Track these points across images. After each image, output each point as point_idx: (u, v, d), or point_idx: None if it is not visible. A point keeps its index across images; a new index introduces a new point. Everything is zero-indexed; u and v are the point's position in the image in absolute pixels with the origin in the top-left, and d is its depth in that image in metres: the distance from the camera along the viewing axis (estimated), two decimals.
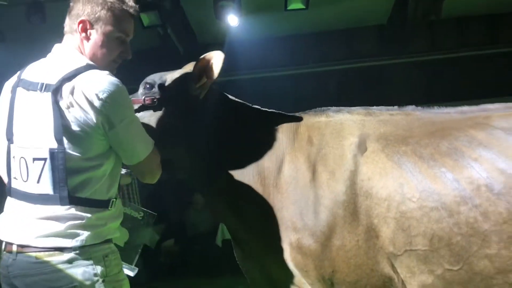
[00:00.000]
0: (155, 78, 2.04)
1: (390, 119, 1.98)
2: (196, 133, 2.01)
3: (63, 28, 1.83)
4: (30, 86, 1.66)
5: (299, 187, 1.88)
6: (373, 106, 2.07)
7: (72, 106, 1.58)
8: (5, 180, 1.74)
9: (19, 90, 1.68)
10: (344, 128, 1.95)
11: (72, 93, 1.58)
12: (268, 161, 1.98)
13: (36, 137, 1.62)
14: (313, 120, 2.05)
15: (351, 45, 10.52)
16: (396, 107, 2.04)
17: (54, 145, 1.58)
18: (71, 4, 1.79)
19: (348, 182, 1.80)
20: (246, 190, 1.96)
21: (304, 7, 6.84)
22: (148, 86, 2.00)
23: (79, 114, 1.58)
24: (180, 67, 2.15)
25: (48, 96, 1.59)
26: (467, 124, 1.85)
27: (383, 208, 1.74)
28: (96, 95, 1.57)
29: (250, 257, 2.07)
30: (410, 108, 2.03)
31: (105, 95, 1.57)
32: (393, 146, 1.84)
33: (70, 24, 1.77)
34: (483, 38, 9.74)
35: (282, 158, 1.97)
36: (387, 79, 10.38)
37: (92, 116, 1.58)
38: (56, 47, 1.79)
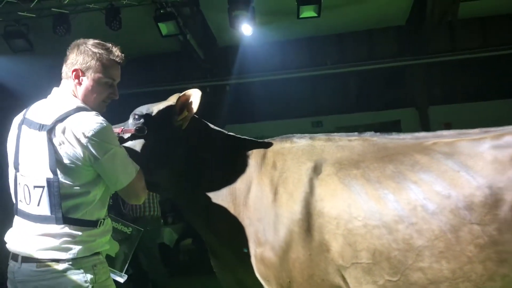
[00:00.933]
0: (142, 110, 2.31)
1: (348, 144, 2.18)
2: (178, 158, 2.29)
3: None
4: (31, 125, 2.00)
5: (264, 206, 2.14)
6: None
7: (63, 143, 1.91)
8: (14, 201, 2.08)
9: (23, 127, 2.03)
10: (303, 154, 2.18)
11: (63, 132, 1.91)
12: (239, 183, 2.24)
13: (36, 169, 1.95)
14: (278, 146, 2.30)
15: (370, 47, 10.55)
16: (356, 133, 2.25)
17: (50, 175, 1.92)
18: (67, 53, 2.11)
19: (304, 202, 2.04)
20: (219, 208, 2.23)
21: (316, 15, 6.92)
22: (136, 117, 2.28)
23: (69, 150, 1.91)
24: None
25: (44, 134, 1.93)
26: (416, 149, 2.04)
27: (333, 225, 1.97)
28: (83, 133, 1.89)
29: (225, 267, 2.36)
30: (368, 134, 2.22)
31: (90, 133, 1.89)
32: (346, 170, 2.06)
33: (66, 71, 2.10)
34: (505, 38, 9.64)
35: (250, 180, 2.23)
36: (406, 80, 10.39)
37: (79, 151, 1.90)
38: (54, 90, 2.12)
